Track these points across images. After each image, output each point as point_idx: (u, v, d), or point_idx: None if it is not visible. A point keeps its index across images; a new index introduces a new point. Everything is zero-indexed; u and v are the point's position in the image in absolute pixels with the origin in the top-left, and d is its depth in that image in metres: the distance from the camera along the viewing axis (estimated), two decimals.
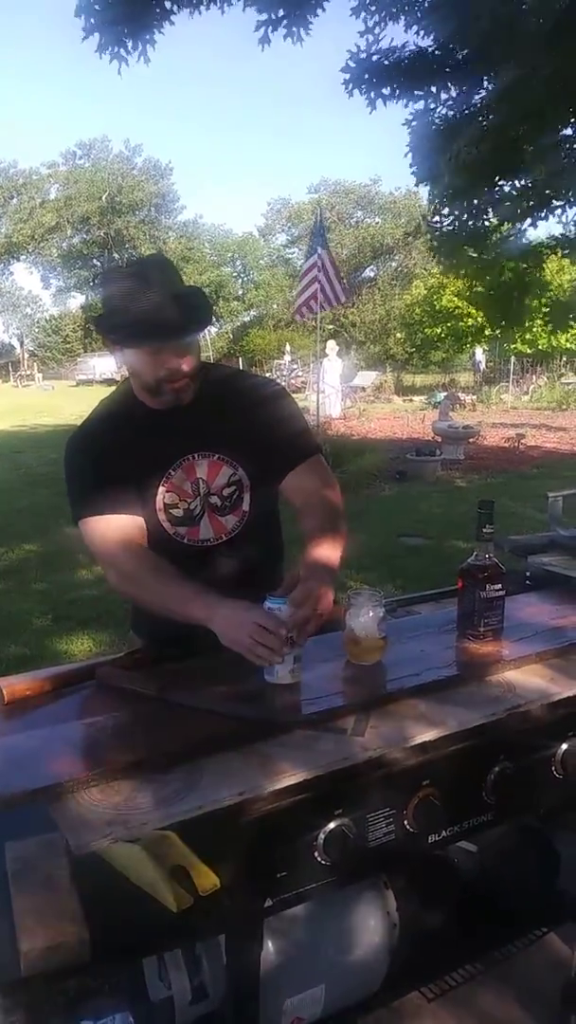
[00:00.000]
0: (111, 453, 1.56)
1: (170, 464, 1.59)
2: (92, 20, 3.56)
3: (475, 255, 5.01)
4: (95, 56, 3.64)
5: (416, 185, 4.78)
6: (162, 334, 1.43)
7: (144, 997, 1.32)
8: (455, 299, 22.42)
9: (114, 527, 1.53)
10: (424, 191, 5.02)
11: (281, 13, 3.73)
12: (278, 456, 1.63)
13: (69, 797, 1.04)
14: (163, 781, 1.08)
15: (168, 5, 3.62)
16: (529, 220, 4.85)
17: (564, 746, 1.36)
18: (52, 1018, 1.45)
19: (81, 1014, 1.41)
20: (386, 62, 4.09)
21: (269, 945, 1.25)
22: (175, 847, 0.99)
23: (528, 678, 1.42)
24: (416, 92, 4.19)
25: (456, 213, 4.83)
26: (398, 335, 27.24)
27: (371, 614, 1.40)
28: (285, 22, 3.75)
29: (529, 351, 24.03)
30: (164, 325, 1.42)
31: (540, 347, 23.42)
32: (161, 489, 1.58)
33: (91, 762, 1.10)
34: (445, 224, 4.94)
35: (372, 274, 42.35)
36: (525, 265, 5.29)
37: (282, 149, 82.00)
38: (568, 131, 4.41)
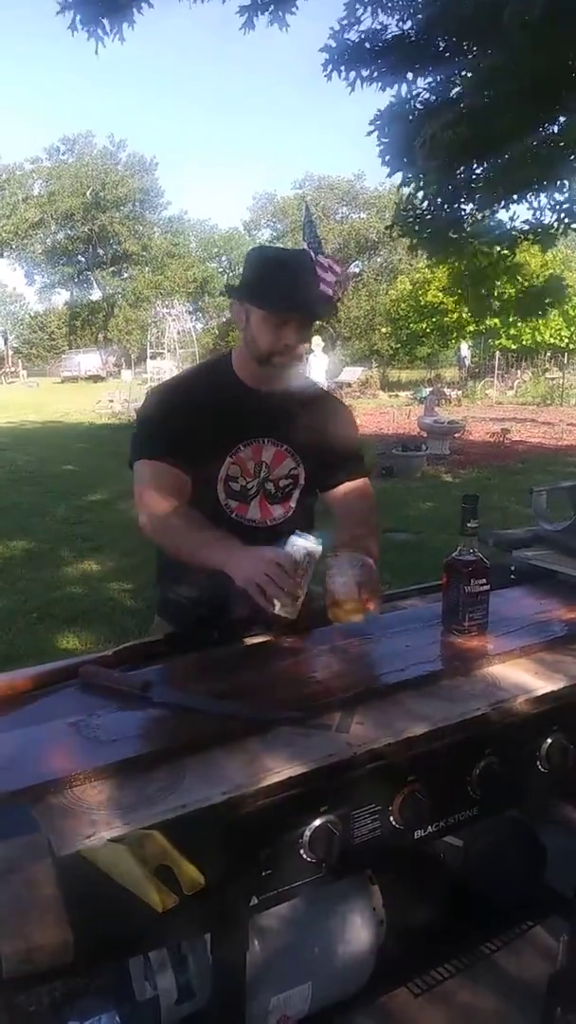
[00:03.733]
0: (188, 408, 1.66)
1: (243, 439, 1.68)
2: None
3: (454, 236, 4.99)
4: (74, 39, 3.59)
5: (388, 175, 4.74)
6: (299, 307, 1.58)
7: (130, 997, 1.31)
8: (440, 294, 22.45)
9: (161, 472, 1.62)
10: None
11: None
12: (334, 467, 1.78)
13: (52, 797, 1.03)
14: (147, 780, 1.07)
15: None
16: (502, 204, 4.84)
17: (549, 740, 1.36)
18: (38, 1019, 1.45)
19: (67, 1015, 1.41)
20: (367, 44, 4.07)
21: (255, 943, 1.24)
22: (159, 846, 0.98)
23: (513, 672, 1.42)
24: (395, 75, 4.16)
25: (430, 197, 4.81)
26: (383, 330, 27.26)
27: (351, 574, 1.40)
28: (271, 7, 3.71)
29: (514, 347, 24.12)
30: (304, 302, 1.59)
31: (524, 343, 23.52)
32: (228, 459, 1.67)
33: (74, 762, 1.09)
34: (419, 207, 4.92)
35: (357, 269, 42.35)
36: (500, 249, 5.28)
37: (267, 143, 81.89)
38: (546, 117, 4.40)
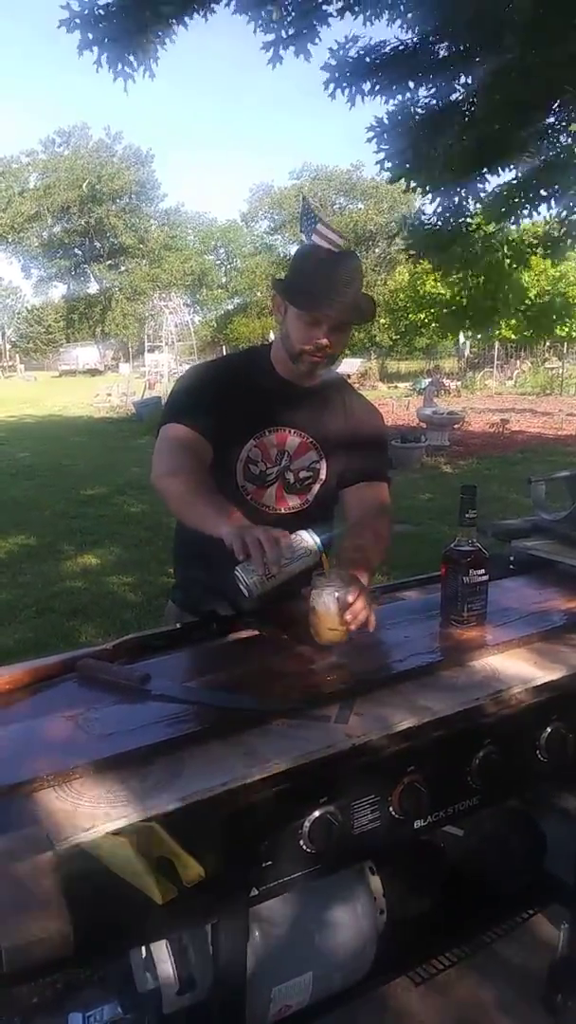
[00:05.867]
0: (220, 385, 1.70)
1: (268, 424, 1.70)
2: (89, 35, 3.46)
3: (460, 250, 4.96)
4: (97, 68, 3.56)
5: (389, 182, 4.69)
6: (331, 309, 1.57)
7: (131, 988, 1.32)
8: (438, 285, 22.38)
9: (183, 436, 1.63)
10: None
11: (291, 32, 3.67)
12: (355, 467, 1.77)
13: (51, 791, 1.03)
14: (146, 772, 1.07)
15: (168, 18, 3.53)
16: (513, 217, 4.81)
17: (548, 730, 1.36)
18: (41, 1011, 1.45)
19: (70, 1006, 1.41)
20: (368, 59, 4.05)
21: (255, 934, 1.25)
22: (159, 838, 0.98)
23: (512, 662, 1.42)
24: (397, 87, 4.14)
25: (439, 210, 4.78)
26: (382, 321, 27.10)
27: (336, 595, 1.39)
28: (294, 40, 3.70)
29: (513, 337, 24.05)
30: (337, 304, 1.57)
31: (524, 333, 23.45)
32: (251, 442, 1.69)
33: (73, 755, 1.09)
34: (428, 220, 4.90)
35: None
36: (509, 261, 5.26)
37: (263, 134, 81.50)
38: (552, 120, 4.38)
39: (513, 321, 22.16)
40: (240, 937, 1.16)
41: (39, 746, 1.13)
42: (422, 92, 4.25)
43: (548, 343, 25.46)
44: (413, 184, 4.59)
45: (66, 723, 1.19)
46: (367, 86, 4.12)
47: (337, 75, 4.09)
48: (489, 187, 4.64)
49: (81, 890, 0.95)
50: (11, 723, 1.21)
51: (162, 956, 1.24)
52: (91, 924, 0.95)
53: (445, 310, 20.68)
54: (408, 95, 4.24)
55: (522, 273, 5.51)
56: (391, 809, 1.20)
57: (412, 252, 5.07)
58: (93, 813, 0.99)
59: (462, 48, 3.98)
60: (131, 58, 3.56)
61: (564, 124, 4.39)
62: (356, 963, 1.40)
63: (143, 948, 1.26)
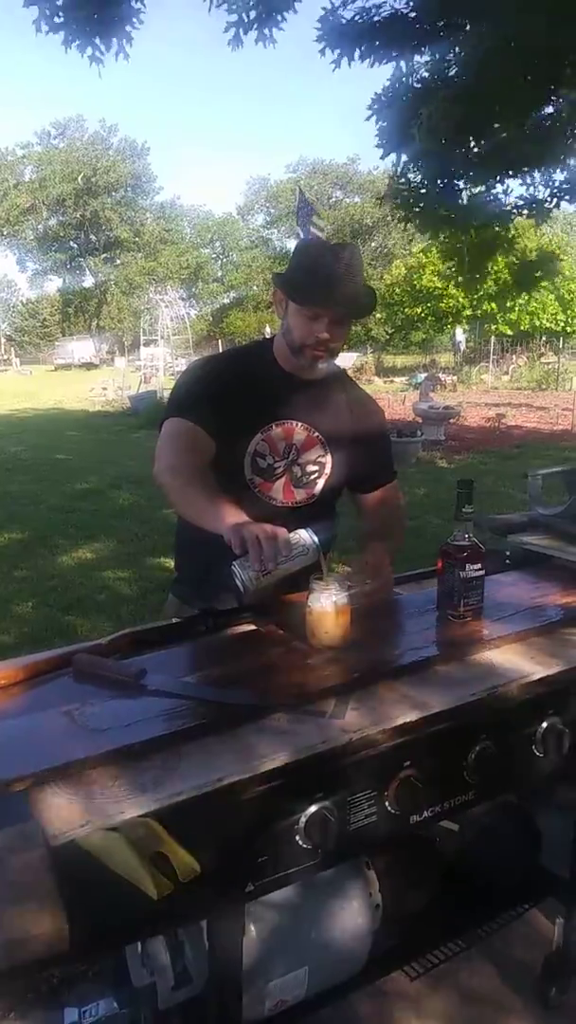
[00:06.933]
0: (224, 379, 1.70)
1: (275, 418, 1.70)
2: (47, 11, 3.43)
3: (447, 213, 4.94)
4: (66, 49, 3.54)
5: (382, 158, 4.67)
6: (331, 304, 1.58)
7: (127, 983, 1.32)
8: (435, 279, 22.36)
9: (186, 430, 1.62)
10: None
11: (252, 15, 3.65)
12: (366, 472, 1.81)
13: (46, 786, 1.03)
14: (141, 768, 1.06)
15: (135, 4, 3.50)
16: (497, 179, 4.80)
17: (544, 724, 1.36)
18: (36, 1005, 1.45)
19: (66, 1001, 1.41)
20: (359, 20, 4.01)
21: (251, 929, 1.25)
22: (155, 834, 0.98)
23: (508, 657, 1.42)
24: (389, 53, 4.11)
25: (425, 175, 4.76)
26: (378, 315, 27.08)
27: (334, 598, 1.38)
28: (256, 25, 3.67)
29: (510, 331, 24.05)
30: (337, 298, 1.57)
31: (521, 328, 23.46)
32: (258, 435, 1.69)
33: (68, 751, 1.08)
34: (413, 183, 4.88)
35: None
36: (497, 227, 5.25)
37: (260, 127, 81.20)
38: (542, 95, 4.36)
39: (511, 316, 22.23)
40: (236, 932, 1.16)
41: (35, 741, 1.13)
42: (416, 61, 4.23)
43: (544, 338, 25.47)
44: (403, 157, 4.57)
45: (62, 718, 1.19)
46: (359, 50, 4.08)
47: (328, 35, 4.05)
48: (474, 153, 4.62)
49: (76, 886, 0.95)
50: (6, 718, 1.20)
51: (158, 951, 1.25)
52: (86, 919, 0.95)
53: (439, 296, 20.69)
54: (401, 63, 4.21)
55: (507, 236, 5.46)
56: (387, 804, 1.20)
57: (403, 213, 5.05)
58: (88, 809, 0.98)
59: (453, 18, 3.96)
60: (98, 40, 3.53)
61: (552, 94, 4.38)
62: (352, 957, 1.40)
63: (139, 943, 1.26)
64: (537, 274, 6.87)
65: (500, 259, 6.53)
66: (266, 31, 3.75)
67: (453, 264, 6.32)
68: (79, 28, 3.49)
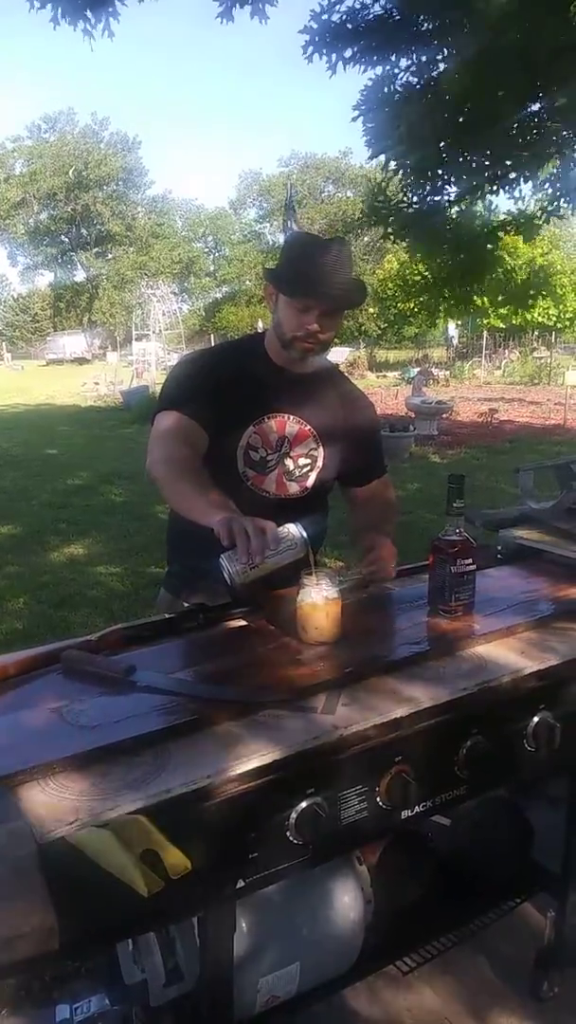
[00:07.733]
0: (216, 372, 1.70)
1: (267, 410, 1.71)
2: None
3: (436, 229, 4.91)
4: (55, 26, 3.51)
5: (369, 159, 4.64)
6: (320, 296, 1.58)
7: (119, 980, 1.31)
8: (427, 274, 22.33)
9: (178, 423, 1.63)
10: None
11: None
12: (358, 467, 1.83)
13: (35, 783, 1.02)
14: (131, 765, 1.06)
15: None
16: (487, 190, 4.77)
17: (535, 719, 1.36)
18: (28, 1002, 1.44)
19: (58, 998, 1.41)
20: (349, 25, 3.98)
21: (243, 925, 1.25)
22: (145, 831, 0.97)
23: (499, 652, 1.42)
24: (377, 57, 4.08)
25: (409, 183, 4.73)
26: (371, 310, 27.08)
27: (324, 594, 1.38)
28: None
29: (502, 326, 24.08)
30: (326, 290, 1.58)
31: (514, 322, 23.48)
32: (251, 428, 1.70)
33: (57, 748, 1.08)
34: (396, 197, 4.84)
35: None
36: (487, 244, 5.21)
37: (252, 121, 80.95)
38: (529, 103, 4.34)
39: (502, 311, 22.24)
40: (227, 929, 1.16)
41: (23, 738, 1.12)
42: (403, 63, 4.19)
43: (536, 333, 25.51)
44: (393, 163, 4.54)
45: (51, 715, 1.18)
46: (348, 53, 4.04)
47: (316, 39, 4.00)
48: (463, 162, 4.59)
49: (66, 883, 0.94)
50: None
51: (149, 948, 1.24)
52: (77, 917, 0.95)
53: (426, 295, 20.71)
54: (388, 67, 4.18)
55: (497, 251, 5.39)
56: (378, 799, 1.20)
57: (390, 232, 5.01)
58: (78, 806, 0.98)
59: (440, 20, 3.92)
60: (88, 13, 3.49)
61: (545, 115, 4.36)
62: (344, 953, 1.40)
63: (130, 940, 1.26)
64: (531, 293, 6.84)
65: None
66: (260, 5, 3.69)
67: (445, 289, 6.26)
68: (69, 1, 3.45)
